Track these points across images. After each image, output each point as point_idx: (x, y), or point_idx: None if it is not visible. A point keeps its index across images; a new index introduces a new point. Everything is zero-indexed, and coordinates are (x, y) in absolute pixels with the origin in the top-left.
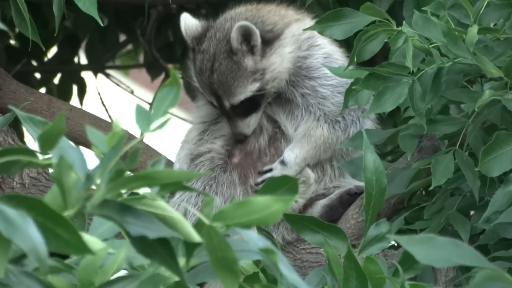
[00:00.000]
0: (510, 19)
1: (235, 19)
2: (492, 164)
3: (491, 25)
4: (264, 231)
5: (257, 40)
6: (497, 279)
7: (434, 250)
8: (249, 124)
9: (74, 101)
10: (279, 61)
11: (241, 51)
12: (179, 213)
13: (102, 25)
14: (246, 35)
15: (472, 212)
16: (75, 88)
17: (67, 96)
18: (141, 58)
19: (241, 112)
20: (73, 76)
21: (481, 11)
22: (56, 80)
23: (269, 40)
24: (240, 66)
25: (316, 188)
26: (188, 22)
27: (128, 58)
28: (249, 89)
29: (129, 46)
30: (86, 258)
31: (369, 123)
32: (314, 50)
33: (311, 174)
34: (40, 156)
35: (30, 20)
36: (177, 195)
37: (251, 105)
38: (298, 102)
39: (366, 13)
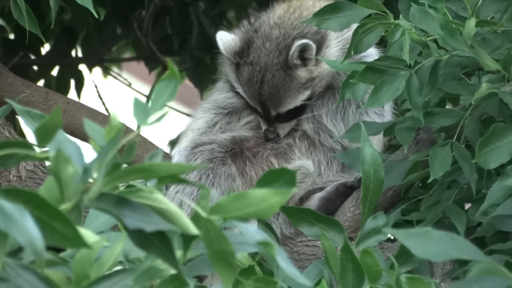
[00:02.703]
0: (507, 12)
1: (281, 26)
2: (489, 157)
3: (489, 18)
4: (264, 223)
5: (312, 54)
6: (493, 272)
7: (431, 244)
8: (287, 128)
9: (72, 94)
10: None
11: (296, 65)
12: (175, 204)
13: (97, 17)
14: (302, 50)
15: (468, 205)
16: (72, 81)
17: (65, 89)
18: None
19: (285, 119)
20: (71, 69)
21: (478, 4)
22: (53, 73)
23: (318, 43)
24: (293, 78)
25: (315, 181)
26: (225, 39)
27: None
28: (300, 98)
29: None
30: (81, 251)
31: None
32: None
33: (310, 167)
34: (37, 149)
35: (29, 12)
36: (173, 186)
37: (296, 112)
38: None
39: (363, 6)
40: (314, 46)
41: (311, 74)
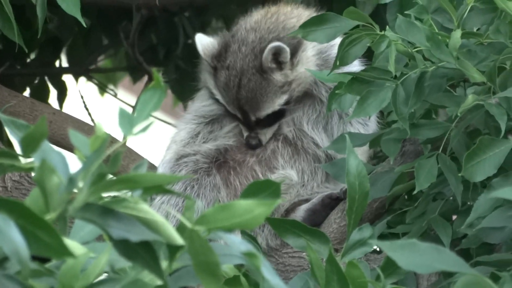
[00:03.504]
0: (493, 23)
1: (257, 30)
2: (476, 169)
3: (475, 29)
4: (247, 235)
5: (287, 57)
6: (479, 285)
7: (416, 255)
8: (268, 133)
9: (53, 103)
10: (305, 69)
11: (271, 69)
12: (161, 215)
13: (84, 26)
14: (276, 53)
15: (454, 217)
16: (54, 91)
17: (44, 98)
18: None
19: (265, 124)
20: (54, 79)
21: (464, 16)
22: (37, 83)
23: (294, 47)
24: (269, 82)
25: (300, 192)
26: (204, 42)
27: (111, 61)
28: (277, 103)
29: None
30: (67, 262)
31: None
32: (335, 46)
33: (293, 176)
34: (23, 160)
35: (15, 22)
36: (159, 197)
37: (276, 116)
38: (322, 97)
39: (349, 17)
40: (287, 49)
41: (287, 78)
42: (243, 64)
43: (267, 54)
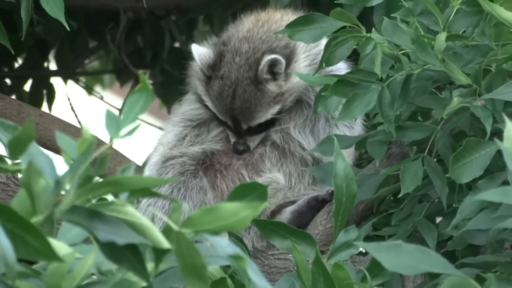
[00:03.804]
0: (479, 26)
1: (250, 40)
2: (462, 171)
3: (460, 32)
4: (234, 237)
5: (282, 68)
6: (464, 286)
7: (402, 257)
8: (257, 140)
9: (45, 107)
10: (298, 79)
11: (266, 79)
12: (147, 217)
13: (68, 29)
14: (271, 65)
15: (439, 219)
16: (44, 94)
17: (38, 102)
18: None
19: (256, 132)
20: (43, 83)
21: (450, 18)
22: (26, 86)
23: (287, 58)
24: (263, 93)
25: (287, 194)
26: (200, 52)
27: (98, 64)
28: (270, 112)
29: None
30: (53, 264)
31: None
32: None
33: (280, 179)
34: (9, 162)
35: (1, 26)
36: (145, 199)
37: (267, 124)
38: (310, 101)
39: (336, 18)
40: (283, 61)
41: (281, 89)
42: (237, 74)
43: (263, 65)
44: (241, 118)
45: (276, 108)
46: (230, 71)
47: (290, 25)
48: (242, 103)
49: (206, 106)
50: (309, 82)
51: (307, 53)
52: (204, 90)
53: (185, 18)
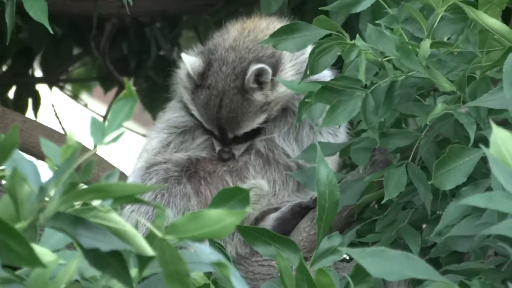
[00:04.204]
0: (463, 33)
1: (236, 49)
2: (446, 178)
3: (445, 39)
4: (216, 244)
5: (268, 78)
6: None
7: (386, 263)
8: (242, 148)
9: (29, 113)
10: (284, 89)
11: (252, 89)
12: (131, 223)
13: (52, 33)
14: (258, 74)
15: (423, 226)
16: (29, 101)
17: (22, 109)
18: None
19: (241, 140)
20: (28, 89)
21: (434, 25)
22: (10, 93)
23: (273, 67)
24: (250, 102)
25: (271, 201)
26: (191, 61)
27: (83, 71)
28: (257, 121)
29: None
30: (37, 269)
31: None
32: None
33: (264, 185)
34: None
35: None
36: (129, 205)
37: (253, 133)
38: (295, 109)
39: (319, 26)
40: (270, 70)
41: (267, 98)
42: (224, 84)
43: (250, 75)
44: (228, 127)
45: (262, 117)
46: (217, 81)
47: (274, 35)
48: (228, 112)
49: (192, 115)
50: (294, 89)
51: (294, 62)
52: (191, 98)
53: (172, 29)
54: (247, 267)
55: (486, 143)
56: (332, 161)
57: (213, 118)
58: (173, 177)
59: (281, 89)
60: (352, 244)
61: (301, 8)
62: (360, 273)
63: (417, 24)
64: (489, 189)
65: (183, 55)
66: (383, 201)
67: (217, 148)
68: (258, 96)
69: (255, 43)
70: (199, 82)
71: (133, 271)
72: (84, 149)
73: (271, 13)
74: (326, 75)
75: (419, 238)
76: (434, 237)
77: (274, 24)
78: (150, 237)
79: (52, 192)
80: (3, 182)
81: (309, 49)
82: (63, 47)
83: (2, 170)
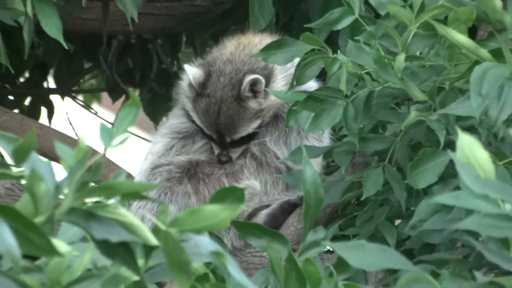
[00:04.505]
0: (434, 48)
1: (233, 62)
2: (419, 177)
3: (417, 53)
4: (215, 236)
5: (262, 87)
6: (420, 280)
7: (365, 255)
8: (239, 151)
9: (43, 121)
10: (275, 97)
11: (247, 97)
12: (138, 218)
13: (66, 47)
14: (252, 84)
15: (398, 221)
16: (44, 109)
17: (36, 117)
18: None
19: (238, 144)
20: (43, 99)
21: (408, 41)
22: (27, 102)
23: (266, 78)
24: (246, 109)
25: (262, 199)
26: (193, 71)
27: (93, 82)
28: (251, 127)
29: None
30: (54, 260)
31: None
32: None
33: (256, 186)
34: (14, 169)
35: (2, 47)
36: (136, 202)
37: (248, 138)
38: (284, 116)
39: (305, 42)
40: (263, 80)
41: (261, 106)
42: (222, 93)
43: (246, 84)
44: (225, 132)
45: (256, 123)
46: (216, 90)
47: (265, 49)
48: (226, 119)
49: (193, 121)
50: (282, 99)
51: (284, 73)
52: (192, 106)
53: (172, 45)
54: (242, 257)
55: (454, 147)
56: (317, 163)
57: (212, 124)
58: (175, 177)
59: (273, 98)
60: (335, 237)
61: (290, 25)
62: (342, 263)
63: (392, 40)
64: (457, 187)
65: (186, 66)
66: (363, 199)
67: (216, 151)
68: (253, 104)
69: (249, 57)
70: (200, 91)
71: (140, 261)
72: (94, 152)
73: (261, 29)
74: (311, 85)
75: (395, 232)
76: (408, 230)
77: (266, 40)
78: (155, 230)
79: (66, 190)
80: (23, 182)
81: (296, 62)
82: (74, 61)
83: (21, 170)
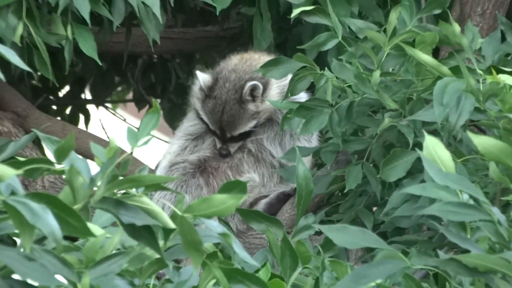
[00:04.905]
0: (404, 65)
1: (236, 71)
2: (390, 172)
3: (390, 70)
4: (222, 221)
5: (260, 93)
6: (393, 257)
7: (347, 236)
8: (236, 146)
9: (81, 126)
10: (269, 103)
11: (247, 100)
12: (159, 206)
13: (100, 64)
14: (252, 89)
15: (375, 208)
16: (81, 117)
17: (75, 123)
18: (130, 94)
19: (236, 140)
20: (81, 108)
21: (382, 60)
22: (67, 111)
23: (264, 85)
24: (245, 110)
25: (261, 190)
26: (203, 76)
27: (122, 94)
28: (248, 125)
29: (123, 86)
30: (89, 240)
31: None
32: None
33: (256, 178)
34: (56, 165)
35: (50, 64)
36: (157, 193)
37: (245, 135)
38: (279, 120)
39: (297, 60)
40: (261, 86)
41: (258, 108)
42: (226, 96)
43: (247, 89)
44: (227, 128)
45: (253, 123)
46: (221, 93)
47: (264, 66)
48: (228, 117)
49: (201, 119)
50: (278, 107)
51: (278, 84)
52: (201, 106)
53: (188, 64)
54: (245, 239)
55: (421, 147)
56: (307, 161)
57: (216, 121)
58: (189, 173)
59: (267, 104)
60: (322, 222)
61: (285, 46)
62: (328, 243)
63: (369, 59)
64: (423, 181)
65: (197, 72)
66: (345, 191)
67: (218, 145)
68: (251, 106)
69: (250, 68)
70: (208, 93)
71: (160, 242)
72: (122, 151)
73: (262, 50)
74: (302, 96)
75: (371, 217)
76: (382, 216)
77: (264, 57)
78: (173, 216)
79: (99, 183)
80: (63, 176)
81: (289, 76)
82: (107, 77)
83: (63, 167)
